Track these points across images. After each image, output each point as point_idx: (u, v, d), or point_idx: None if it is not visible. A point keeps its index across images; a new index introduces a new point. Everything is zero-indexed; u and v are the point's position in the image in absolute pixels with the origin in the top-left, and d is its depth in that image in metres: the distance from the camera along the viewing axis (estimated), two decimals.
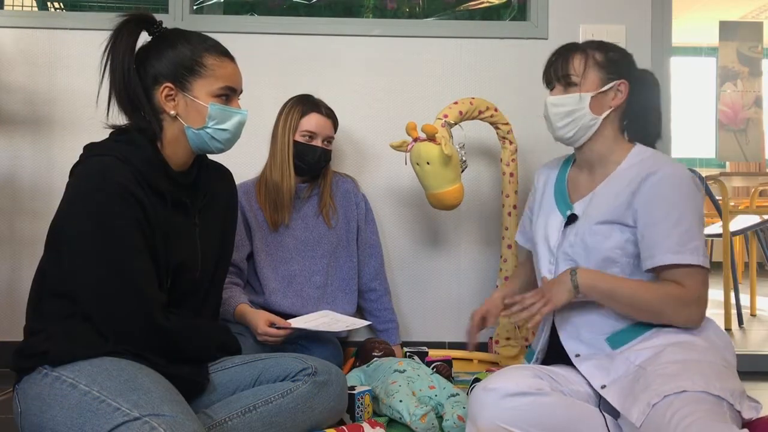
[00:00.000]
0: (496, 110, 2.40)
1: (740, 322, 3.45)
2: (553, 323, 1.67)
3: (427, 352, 2.31)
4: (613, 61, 1.65)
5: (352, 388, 1.82)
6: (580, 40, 1.73)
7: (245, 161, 2.32)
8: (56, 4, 2.99)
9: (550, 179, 1.79)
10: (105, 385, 1.32)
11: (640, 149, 1.67)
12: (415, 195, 2.62)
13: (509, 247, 2.48)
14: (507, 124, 2.44)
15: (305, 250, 2.32)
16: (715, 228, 3.73)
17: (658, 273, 1.55)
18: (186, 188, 1.58)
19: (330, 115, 2.33)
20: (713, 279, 1.77)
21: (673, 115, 2.74)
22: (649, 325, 1.55)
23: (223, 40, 1.60)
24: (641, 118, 1.70)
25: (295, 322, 2.05)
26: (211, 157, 1.69)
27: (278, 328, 2.02)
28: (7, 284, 2.59)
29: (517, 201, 2.48)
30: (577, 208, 1.66)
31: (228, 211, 1.72)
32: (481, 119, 2.40)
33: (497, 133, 2.47)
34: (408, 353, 2.30)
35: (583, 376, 1.56)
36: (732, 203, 4.53)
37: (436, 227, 2.69)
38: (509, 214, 2.47)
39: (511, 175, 2.48)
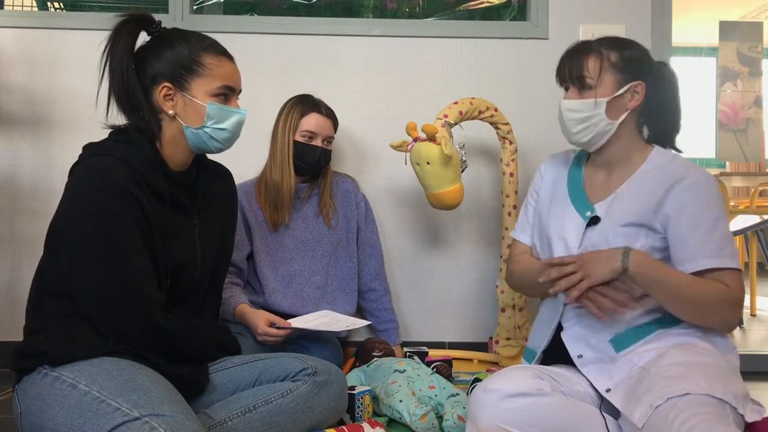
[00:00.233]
0: (496, 110, 2.40)
1: (740, 322, 3.45)
2: (559, 323, 1.65)
3: (427, 352, 2.31)
4: (629, 61, 1.60)
5: (352, 388, 1.82)
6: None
7: (245, 161, 2.31)
8: (56, 4, 2.99)
9: (561, 176, 1.75)
10: (105, 385, 1.32)
11: (660, 151, 1.64)
12: (415, 195, 2.62)
13: (509, 247, 2.47)
14: (507, 124, 2.44)
15: (305, 250, 2.32)
16: None
17: None
18: (185, 188, 1.58)
19: (330, 115, 2.33)
20: None
21: None
22: (653, 328, 1.54)
23: (223, 40, 1.60)
24: (659, 115, 1.66)
25: (295, 322, 2.05)
26: (210, 157, 1.68)
27: (278, 328, 2.02)
28: (7, 284, 2.59)
29: (517, 201, 2.48)
30: (599, 210, 1.62)
31: (227, 212, 1.72)
32: (481, 119, 2.40)
33: (497, 133, 2.47)
34: (408, 353, 2.30)
35: (585, 377, 1.55)
36: (732, 203, 4.53)
37: (436, 227, 2.68)
38: (509, 214, 2.47)
39: (511, 175, 2.47)
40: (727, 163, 5.98)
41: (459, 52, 2.66)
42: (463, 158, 2.30)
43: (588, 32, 2.60)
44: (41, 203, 2.56)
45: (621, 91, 1.59)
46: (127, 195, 1.40)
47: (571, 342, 1.60)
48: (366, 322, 2.21)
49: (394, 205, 2.67)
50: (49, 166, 2.59)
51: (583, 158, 1.75)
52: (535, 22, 2.67)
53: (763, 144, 5.23)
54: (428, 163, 2.18)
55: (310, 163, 2.28)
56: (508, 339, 2.47)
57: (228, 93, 1.55)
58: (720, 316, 1.51)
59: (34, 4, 2.92)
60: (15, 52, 2.60)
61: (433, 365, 2.17)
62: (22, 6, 2.86)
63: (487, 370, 2.16)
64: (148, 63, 1.51)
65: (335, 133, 2.36)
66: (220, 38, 1.59)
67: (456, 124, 2.31)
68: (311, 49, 2.65)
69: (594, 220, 1.62)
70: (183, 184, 1.57)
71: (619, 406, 1.45)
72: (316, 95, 2.35)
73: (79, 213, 1.39)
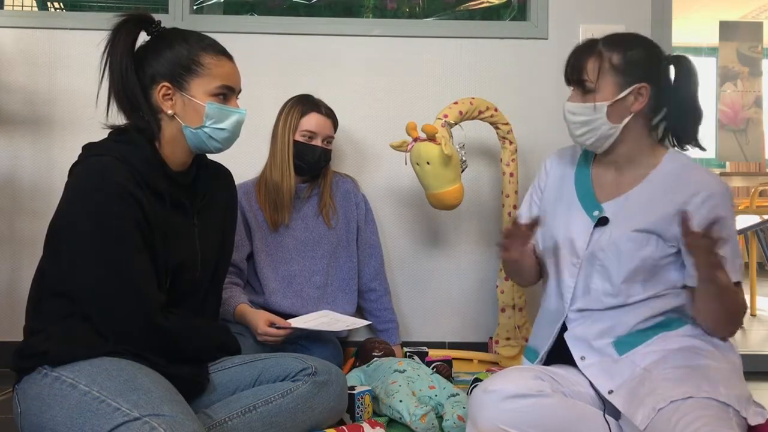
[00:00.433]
0: (496, 110, 2.40)
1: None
2: (563, 324, 1.63)
3: (427, 352, 2.31)
4: (632, 62, 1.54)
5: (352, 388, 1.82)
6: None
7: (245, 161, 2.31)
8: (56, 4, 2.99)
9: (567, 175, 1.71)
10: (105, 385, 1.32)
11: (673, 155, 1.60)
12: (415, 195, 2.62)
13: None
14: (507, 124, 2.44)
15: (305, 250, 2.32)
16: None
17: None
18: (185, 188, 1.58)
19: (330, 114, 2.33)
20: None
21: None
22: (656, 331, 1.53)
23: (223, 40, 1.60)
24: (674, 113, 1.60)
25: (295, 322, 2.05)
26: (210, 157, 1.68)
27: (278, 328, 2.02)
28: (7, 284, 2.59)
29: (517, 201, 2.48)
30: (607, 210, 1.59)
31: (227, 211, 1.72)
32: (481, 119, 2.39)
33: (497, 133, 2.47)
34: (408, 353, 2.30)
35: (586, 378, 1.55)
36: None
37: (436, 227, 2.68)
38: (509, 214, 2.47)
39: (511, 175, 2.47)
40: (727, 163, 5.98)
41: (459, 52, 2.66)
42: (463, 158, 2.30)
43: (588, 32, 2.60)
44: (41, 203, 2.56)
45: (623, 95, 1.54)
46: (126, 195, 1.40)
47: (573, 343, 1.59)
48: (366, 322, 2.21)
49: (394, 205, 2.67)
50: (49, 166, 2.59)
51: (590, 156, 1.70)
52: (535, 22, 2.66)
53: (763, 144, 5.24)
54: (428, 163, 2.18)
55: (310, 163, 2.28)
56: (508, 339, 2.47)
57: (227, 93, 1.55)
58: (738, 326, 1.57)
59: (34, 4, 2.92)
60: (15, 52, 2.60)
61: (433, 365, 2.17)
62: (22, 6, 2.86)
63: (487, 370, 2.15)
64: (148, 63, 1.51)
65: (335, 133, 2.36)
66: (220, 38, 1.59)
67: (456, 124, 2.31)
68: (311, 49, 2.64)
69: (602, 221, 1.59)
70: (183, 184, 1.57)
71: (621, 408, 1.44)
72: (316, 95, 2.35)
73: (79, 213, 1.39)
